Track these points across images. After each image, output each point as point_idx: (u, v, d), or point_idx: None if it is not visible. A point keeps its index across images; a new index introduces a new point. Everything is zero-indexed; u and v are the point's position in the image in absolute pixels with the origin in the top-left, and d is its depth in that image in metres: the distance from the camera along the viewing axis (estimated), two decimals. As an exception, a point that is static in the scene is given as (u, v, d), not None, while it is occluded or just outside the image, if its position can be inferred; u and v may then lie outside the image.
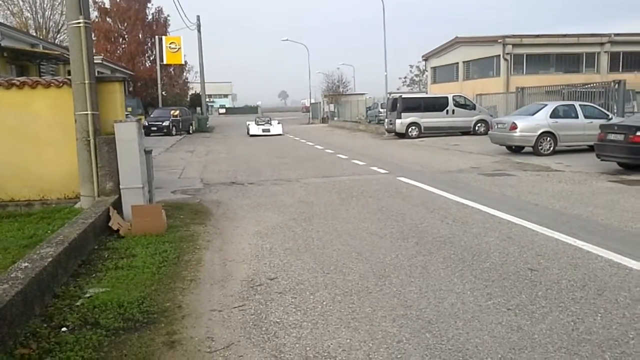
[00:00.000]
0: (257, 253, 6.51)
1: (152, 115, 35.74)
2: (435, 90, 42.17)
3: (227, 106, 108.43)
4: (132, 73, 41.23)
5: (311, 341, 4.03)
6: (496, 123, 18.68)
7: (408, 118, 26.27)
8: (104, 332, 4.19)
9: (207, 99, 53.12)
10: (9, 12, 40.47)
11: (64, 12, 36.57)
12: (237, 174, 14.57)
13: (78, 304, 4.77)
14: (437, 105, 26.76)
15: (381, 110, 36.14)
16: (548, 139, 16.61)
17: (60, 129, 8.83)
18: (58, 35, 40.61)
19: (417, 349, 3.85)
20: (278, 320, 4.45)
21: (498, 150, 18.01)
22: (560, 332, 4.06)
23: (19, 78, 9.40)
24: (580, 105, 17.47)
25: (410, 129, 26.26)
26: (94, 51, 9.07)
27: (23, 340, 3.97)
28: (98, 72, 10.12)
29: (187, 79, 58.00)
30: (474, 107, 27.18)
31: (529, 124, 16.75)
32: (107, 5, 47.32)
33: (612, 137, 12.80)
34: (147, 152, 8.86)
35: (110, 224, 7.39)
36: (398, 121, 26.39)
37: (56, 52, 21.91)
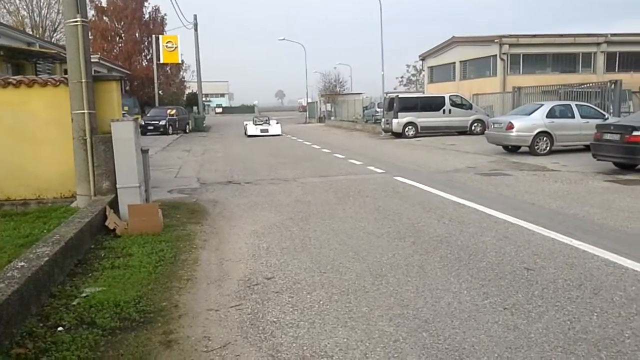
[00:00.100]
0: (254, 252, 6.51)
1: (148, 115, 35.69)
2: (432, 90, 42.16)
3: (223, 105, 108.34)
4: (128, 72, 41.17)
5: (308, 340, 4.04)
6: (493, 123, 18.70)
7: (405, 118, 26.30)
8: (100, 331, 4.19)
9: (204, 98, 53.07)
10: (5, 10, 40.36)
11: (60, 11, 36.47)
12: (233, 173, 14.56)
13: (74, 303, 4.76)
14: (433, 105, 26.78)
15: (378, 109, 36.18)
16: (544, 138, 16.64)
17: (57, 127, 8.81)
18: (54, 34, 40.51)
19: (414, 348, 3.86)
20: (275, 319, 4.46)
21: (494, 150, 18.04)
22: (557, 331, 4.07)
23: (15, 77, 9.38)
24: (576, 105, 17.51)
25: (407, 129, 26.28)
26: (90, 50, 9.05)
27: (19, 339, 3.96)
28: (95, 71, 10.10)
29: (183, 78, 57.96)
30: (470, 107, 27.21)
31: (526, 123, 16.78)
32: (104, 4, 47.26)
33: (608, 137, 12.84)
34: (144, 151, 8.84)
35: (106, 223, 7.38)
36: (395, 121, 26.42)
37: (53, 51, 21.84)
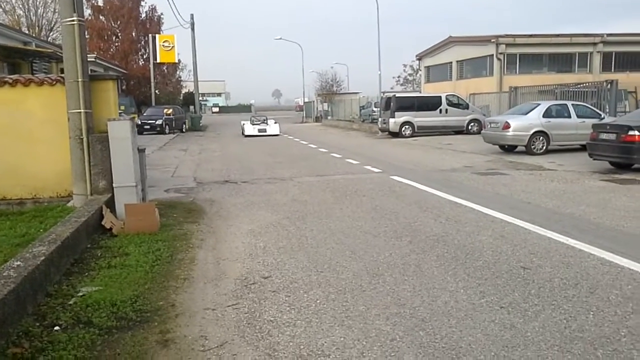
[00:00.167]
0: (251, 252, 6.51)
1: (145, 114, 35.62)
2: (428, 90, 42.23)
3: (220, 105, 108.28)
4: (125, 71, 41.09)
5: (305, 339, 4.04)
6: (489, 122, 18.74)
7: (401, 117, 26.31)
8: (97, 330, 4.18)
9: (201, 98, 52.95)
10: (1, 9, 40.29)
11: (56, 10, 36.42)
12: (230, 172, 14.54)
13: (71, 302, 4.75)
14: (430, 104, 26.80)
15: (375, 109, 36.24)
16: (541, 138, 16.68)
17: (53, 127, 8.79)
18: (51, 33, 40.45)
19: (411, 347, 3.87)
20: (272, 318, 4.46)
21: (491, 150, 18.07)
22: (553, 330, 4.08)
23: (11, 76, 9.35)
24: (572, 104, 17.55)
25: (403, 128, 26.29)
26: (87, 49, 9.04)
27: (15, 339, 3.95)
28: (91, 70, 10.08)
29: (180, 77, 57.93)
30: (467, 107, 27.25)
31: (522, 123, 16.82)
32: (101, 3, 47.17)
33: (604, 136, 12.88)
34: (140, 151, 8.83)
35: (103, 223, 7.36)
36: (391, 120, 26.43)
37: (49, 50, 21.80)
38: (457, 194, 9.90)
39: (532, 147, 16.64)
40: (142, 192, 8.68)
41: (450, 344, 3.89)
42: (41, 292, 4.82)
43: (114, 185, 8.09)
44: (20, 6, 40.59)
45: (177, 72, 56.56)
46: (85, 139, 8.35)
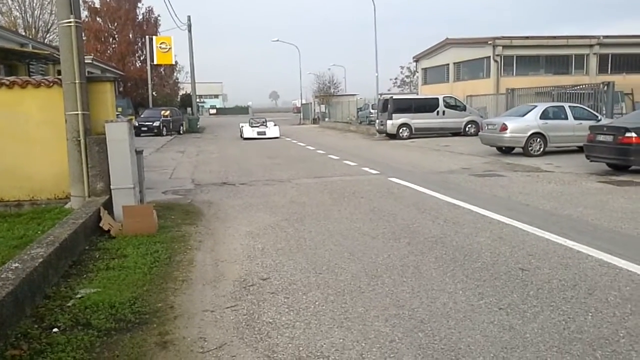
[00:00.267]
0: (249, 253, 6.51)
1: (142, 116, 35.61)
2: (425, 92, 42.26)
3: (217, 107, 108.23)
4: (122, 73, 41.04)
5: (304, 341, 4.04)
6: (486, 124, 18.77)
7: (399, 119, 26.33)
8: (95, 332, 4.17)
9: (198, 100, 52.99)
10: (-3, 11, 40.18)
11: (53, 12, 36.35)
12: (228, 174, 14.54)
13: (69, 304, 4.74)
14: (427, 106, 26.84)
15: (372, 111, 36.21)
16: (538, 140, 16.72)
17: (51, 128, 8.78)
18: (47, 35, 40.35)
19: (410, 349, 3.87)
20: (271, 320, 4.45)
21: (488, 151, 18.10)
22: (552, 331, 4.09)
23: (8, 78, 9.34)
24: (569, 106, 17.59)
25: (401, 130, 26.31)
26: (84, 51, 9.03)
27: (14, 341, 3.94)
28: (88, 72, 10.07)
29: (177, 79, 57.95)
30: (464, 108, 27.29)
31: (519, 125, 16.85)
32: (97, 5, 47.13)
33: (601, 138, 12.90)
34: (138, 152, 8.82)
35: (101, 225, 7.35)
36: (389, 122, 26.45)
37: (46, 52, 21.74)
38: (455, 196, 9.91)
39: (530, 148, 16.67)
40: (139, 194, 8.67)
41: (449, 345, 3.89)
42: (39, 294, 4.81)
43: (111, 187, 8.08)
44: (17, 8, 40.58)
45: (175, 74, 56.58)
46: (82, 141, 8.34)
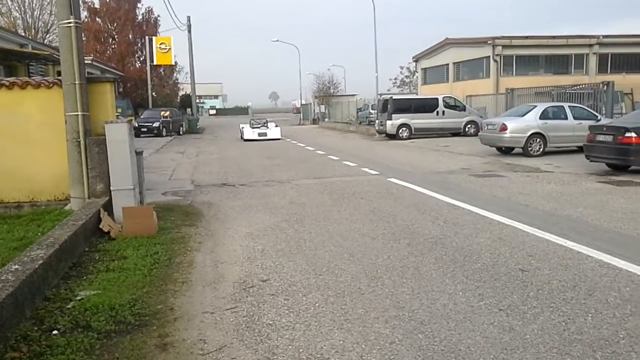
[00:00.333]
0: (249, 255, 6.50)
1: (142, 116, 35.61)
2: (425, 92, 42.26)
3: (217, 107, 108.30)
4: (122, 74, 41.02)
5: (304, 343, 4.03)
6: (486, 124, 18.78)
7: (399, 119, 26.34)
8: (95, 334, 4.17)
9: (198, 100, 52.96)
10: (-3, 12, 40.17)
11: (53, 12, 36.35)
12: (228, 175, 14.54)
13: (69, 306, 4.74)
14: (427, 106, 26.84)
15: (372, 111, 36.22)
16: (538, 140, 16.72)
17: (50, 129, 8.78)
18: (47, 36, 40.32)
19: (410, 350, 3.87)
20: (271, 322, 4.45)
21: (488, 152, 18.10)
22: (552, 333, 4.09)
23: (8, 78, 9.33)
24: (569, 106, 17.59)
25: (400, 130, 26.32)
26: (84, 51, 9.03)
27: (14, 343, 3.94)
28: (88, 72, 10.06)
29: (177, 79, 57.92)
30: (464, 109, 27.30)
31: (519, 125, 16.85)
32: (97, 5, 47.12)
33: (601, 138, 12.91)
34: (138, 153, 8.82)
35: (101, 226, 7.35)
36: (389, 122, 26.46)
37: (45, 53, 21.73)
38: (455, 196, 9.91)
39: (529, 149, 16.67)
40: (139, 195, 8.67)
41: (449, 347, 3.89)
42: (39, 296, 4.81)
43: (111, 188, 8.08)
44: (17, 8, 40.53)
45: (174, 75, 56.56)
46: (82, 142, 8.33)
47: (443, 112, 26.57)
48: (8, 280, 4.33)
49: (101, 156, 8.28)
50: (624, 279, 5.26)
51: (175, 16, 70.77)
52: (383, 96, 33.01)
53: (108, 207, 7.89)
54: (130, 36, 47.86)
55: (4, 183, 8.89)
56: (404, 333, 4.15)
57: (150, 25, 49.26)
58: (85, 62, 9.27)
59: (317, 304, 4.81)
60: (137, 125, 31.46)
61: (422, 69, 46.12)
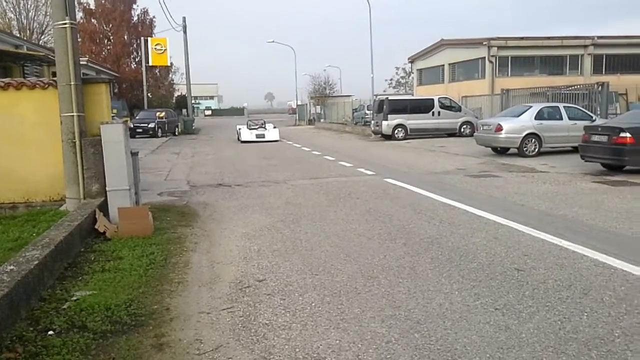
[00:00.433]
0: (245, 255, 6.50)
1: (137, 117, 35.54)
2: (421, 92, 42.29)
3: (213, 108, 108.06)
4: (117, 75, 40.95)
5: (300, 342, 4.04)
6: (481, 125, 18.81)
7: (394, 120, 26.37)
8: (91, 335, 4.16)
9: (193, 101, 52.79)
10: (-8, 12, 40.02)
11: (48, 13, 36.27)
12: (223, 175, 14.52)
13: (65, 307, 4.73)
14: (423, 107, 26.88)
15: (367, 112, 36.29)
16: (533, 140, 16.77)
17: (46, 130, 8.75)
18: (42, 37, 40.19)
19: (406, 349, 3.87)
20: (267, 321, 4.45)
21: (483, 152, 18.14)
22: (548, 331, 4.10)
23: (3, 79, 9.30)
24: (564, 107, 17.66)
25: (396, 131, 26.34)
26: (79, 52, 9.00)
27: (9, 344, 3.93)
28: (83, 73, 10.04)
29: (172, 80, 57.71)
30: (459, 109, 27.35)
31: (514, 125, 16.89)
32: (92, 6, 46.96)
33: (595, 138, 12.96)
34: (134, 154, 8.82)
35: (96, 227, 7.33)
36: (384, 123, 26.48)
37: (40, 53, 21.67)
38: (451, 196, 9.92)
39: (525, 149, 16.72)
40: (135, 196, 8.66)
41: (445, 346, 3.90)
42: (35, 296, 4.80)
43: (107, 188, 8.06)
44: (11, 9, 40.37)
45: (170, 75, 56.37)
46: (78, 143, 8.31)
47: (439, 112, 26.61)
48: (3, 281, 4.32)
49: (97, 157, 8.26)
50: (619, 278, 5.28)
51: (171, 17, 70.83)
52: (379, 97, 33.04)
53: (104, 207, 7.87)
54: (125, 37, 47.68)
55: (-1, 184, 8.86)
56: (400, 332, 4.16)
57: (145, 26, 49.09)
58: (81, 63, 9.26)
59: (313, 304, 4.81)
60: (132, 126, 31.35)
61: (417, 69, 46.22)
